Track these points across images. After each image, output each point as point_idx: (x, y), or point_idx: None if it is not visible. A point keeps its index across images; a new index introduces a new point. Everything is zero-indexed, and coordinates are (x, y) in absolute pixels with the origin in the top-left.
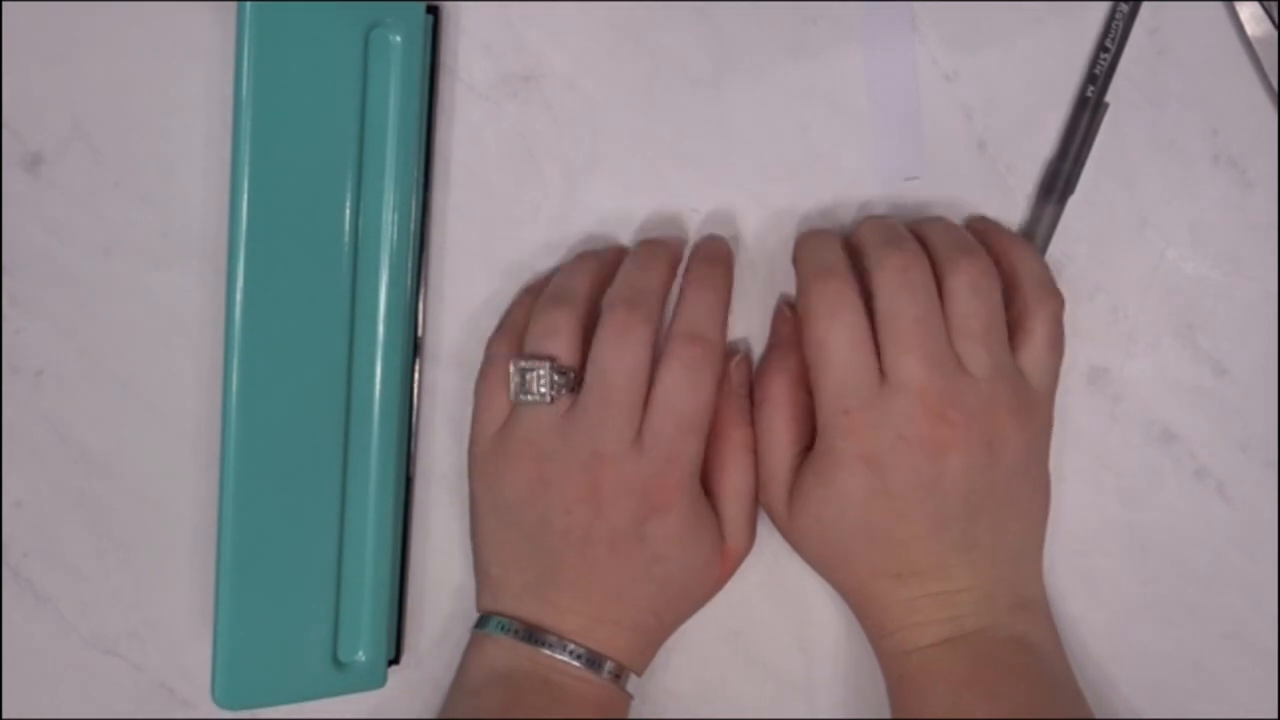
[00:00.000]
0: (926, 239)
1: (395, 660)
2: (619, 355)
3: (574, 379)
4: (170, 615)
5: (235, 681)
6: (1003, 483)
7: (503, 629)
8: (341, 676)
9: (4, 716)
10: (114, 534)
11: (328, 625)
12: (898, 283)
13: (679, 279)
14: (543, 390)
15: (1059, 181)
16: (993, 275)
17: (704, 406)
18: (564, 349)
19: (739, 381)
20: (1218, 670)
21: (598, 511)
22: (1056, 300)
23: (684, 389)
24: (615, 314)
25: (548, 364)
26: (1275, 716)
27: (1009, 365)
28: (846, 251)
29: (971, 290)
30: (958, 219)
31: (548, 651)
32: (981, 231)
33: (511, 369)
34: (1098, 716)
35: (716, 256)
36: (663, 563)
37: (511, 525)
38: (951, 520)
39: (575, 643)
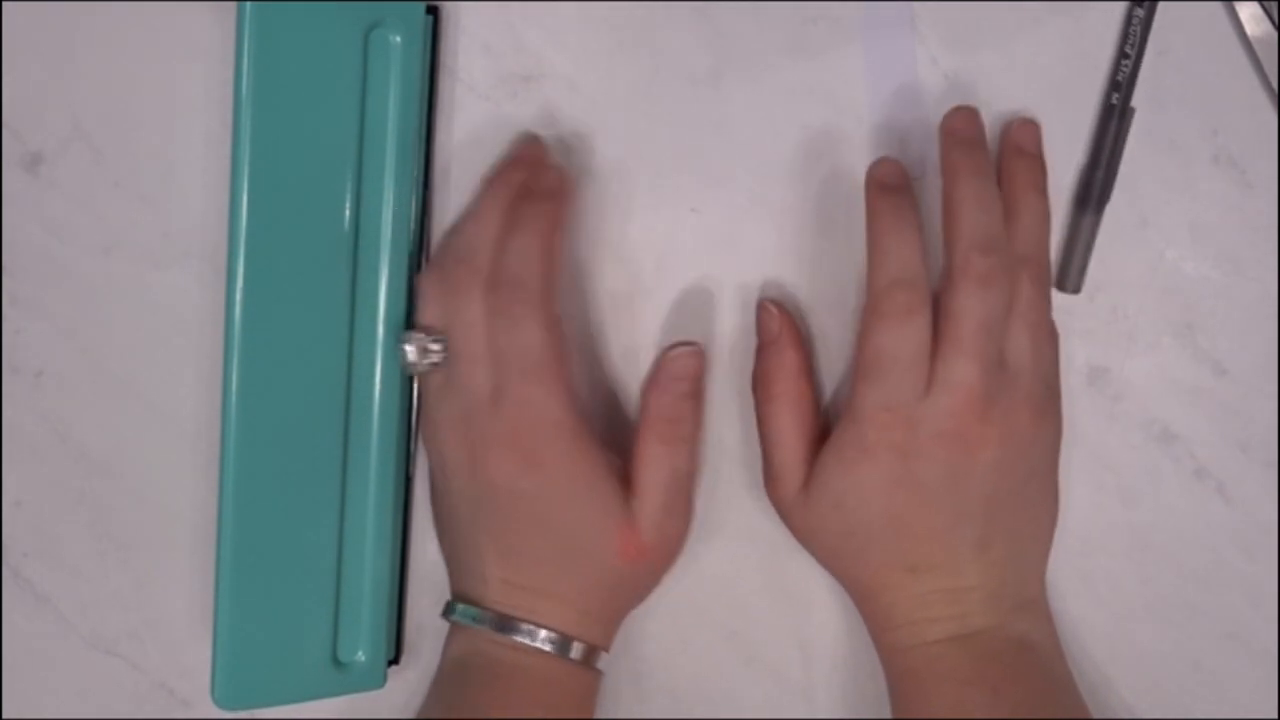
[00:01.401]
0: (1014, 217)
1: (395, 660)
2: (456, 311)
3: (445, 345)
4: (170, 615)
5: (235, 681)
6: (1023, 483)
7: (454, 613)
8: (341, 676)
9: (4, 716)
10: (114, 534)
11: (328, 625)
12: (975, 289)
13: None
14: (412, 359)
15: (1093, 191)
16: (1049, 277)
17: (529, 349)
18: (435, 315)
19: (669, 375)
20: (1218, 670)
21: (475, 471)
22: (1048, 298)
23: (502, 334)
24: (445, 271)
25: (419, 335)
26: (1275, 717)
27: (1039, 361)
28: (923, 233)
29: (1033, 284)
30: None
31: (482, 628)
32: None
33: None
34: (1097, 717)
35: (542, 190)
36: (549, 522)
37: (440, 493)
38: (972, 516)
39: (495, 613)
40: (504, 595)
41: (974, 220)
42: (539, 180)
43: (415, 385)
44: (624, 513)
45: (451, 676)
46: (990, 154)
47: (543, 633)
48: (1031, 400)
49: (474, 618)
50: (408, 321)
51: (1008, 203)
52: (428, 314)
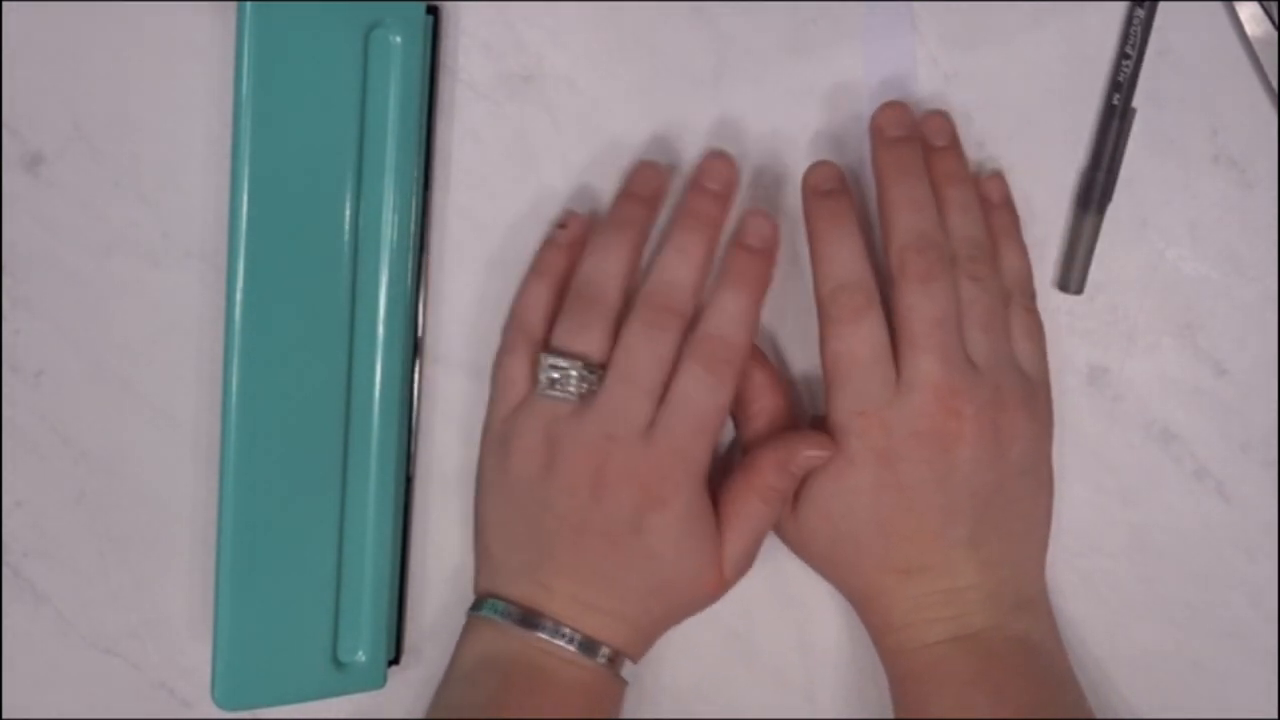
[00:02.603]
0: (945, 217)
1: (395, 660)
2: (645, 344)
3: (601, 376)
4: (170, 615)
5: (235, 681)
6: (1010, 479)
7: (497, 611)
8: (341, 676)
9: (4, 716)
10: (114, 534)
11: (328, 625)
12: (919, 287)
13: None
14: (570, 390)
15: (1094, 192)
16: (991, 268)
17: (718, 409)
18: (595, 347)
19: (795, 465)
20: (1218, 670)
21: (598, 498)
22: (1025, 292)
23: (701, 389)
24: (647, 310)
25: (579, 364)
26: (1275, 717)
27: (1008, 355)
28: (865, 233)
29: (972, 282)
30: None
31: (542, 635)
32: (989, 201)
33: (541, 364)
34: (1098, 717)
35: (759, 244)
36: (657, 560)
37: (515, 504)
38: (960, 515)
39: (569, 626)
40: (571, 609)
41: (906, 221)
42: (754, 230)
43: (416, 387)
44: (719, 554)
45: (480, 674)
46: (919, 150)
47: (603, 648)
48: (1005, 395)
49: (522, 620)
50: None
51: (937, 201)
52: (590, 344)
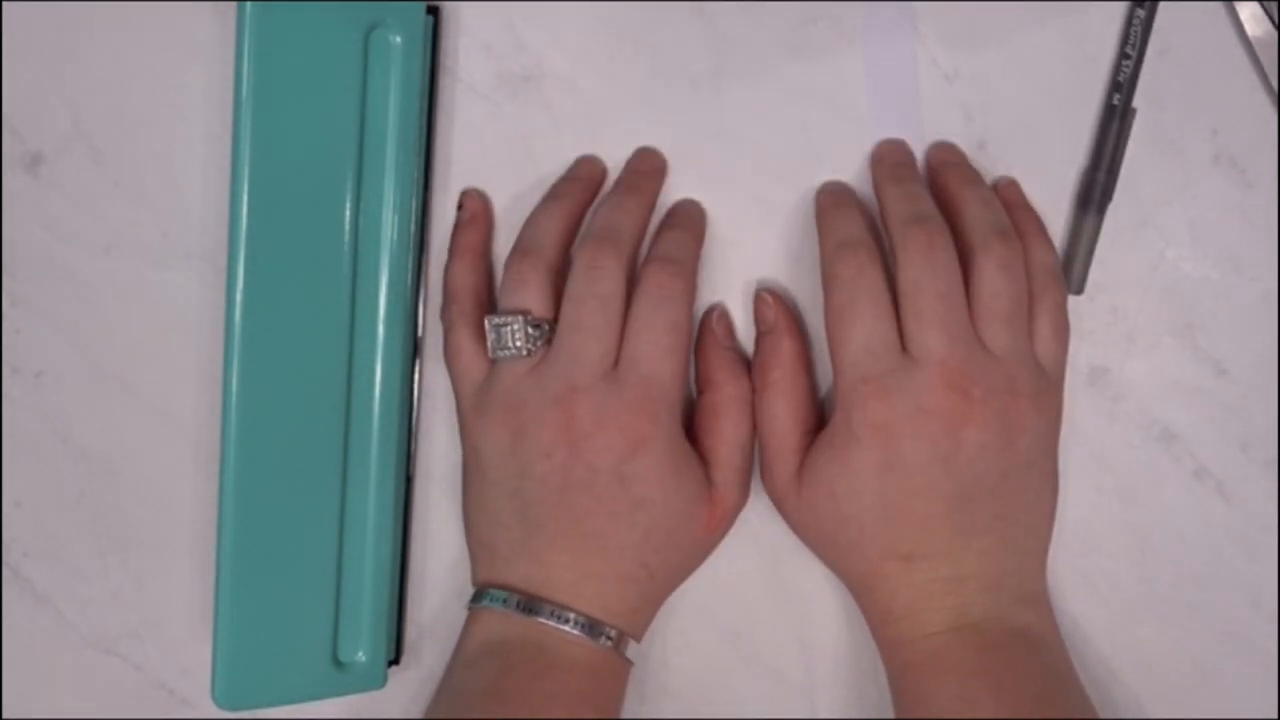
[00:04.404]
0: (961, 212)
1: (395, 660)
2: (590, 284)
3: (548, 331)
4: (170, 615)
5: (235, 681)
6: (1016, 470)
7: (497, 601)
8: (341, 676)
9: (4, 716)
10: (114, 534)
11: (328, 625)
12: (921, 260)
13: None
14: (517, 344)
15: (1095, 192)
16: (1021, 260)
17: (679, 325)
18: (535, 301)
19: (723, 334)
20: (1218, 670)
21: (575, 452)
22: (1059, 289)
23: (658, 307)
24: (586, 250)
25: (520, 317)
26: (1275, 717)
27: (1027, 349)
28: (869, 218)
29: (1000, 271)
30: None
31: (545, 621)
32: (1008, 203)
33: (487, 325)
34: (1099, 715)
35: (690, 213)
36: (646, 506)
37: (495, 484)
38: (964, 501)
39: (574, 610)
40: (568, 580)
41: (903, 206)
42: (685, 205)
43: (416, 387)
44: (708, 487)
45: (482, 659)
46: (916, 166)
47: (608, 629)
48: (1017, 385)
49: (523, 607)
50: (437, 308)
51: (951, 204)
52: (528, 299)
